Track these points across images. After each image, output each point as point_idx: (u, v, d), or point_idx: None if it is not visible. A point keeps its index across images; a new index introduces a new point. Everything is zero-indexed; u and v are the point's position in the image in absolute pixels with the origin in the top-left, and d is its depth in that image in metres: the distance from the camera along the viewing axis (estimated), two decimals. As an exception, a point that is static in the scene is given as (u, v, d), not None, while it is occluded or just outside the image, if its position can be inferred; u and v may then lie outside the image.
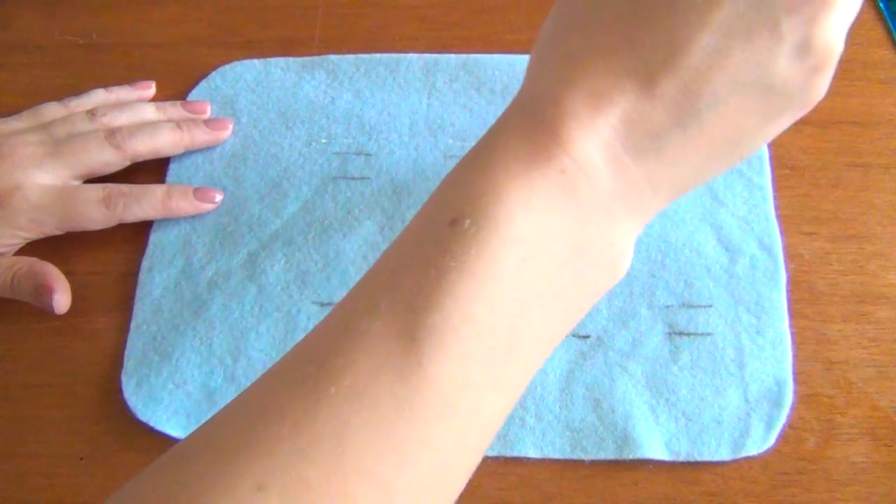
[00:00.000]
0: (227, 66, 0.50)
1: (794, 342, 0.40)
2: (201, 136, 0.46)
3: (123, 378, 0.40)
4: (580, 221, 0.25)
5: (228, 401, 0.39)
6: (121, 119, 0.45)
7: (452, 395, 0.23)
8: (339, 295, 0.41)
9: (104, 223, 0.43)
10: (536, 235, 0.24)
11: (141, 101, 0.48)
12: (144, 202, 0.43)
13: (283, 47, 0.50)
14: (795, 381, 0.39)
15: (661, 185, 0.26)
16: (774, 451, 0.38)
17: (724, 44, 0.23)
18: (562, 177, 0.24)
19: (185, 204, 0.44)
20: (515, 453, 0.38)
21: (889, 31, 0.49)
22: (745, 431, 0.38)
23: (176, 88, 0.50)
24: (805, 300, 0.41)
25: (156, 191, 0.43)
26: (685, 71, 0.24)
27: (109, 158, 0.43)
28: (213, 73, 0.50)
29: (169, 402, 0.40)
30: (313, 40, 0.51)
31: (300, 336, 0.40)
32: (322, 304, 0.41)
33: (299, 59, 0.49)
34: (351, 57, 0.49)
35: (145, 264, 0.43)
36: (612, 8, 0.25)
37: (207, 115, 0.48)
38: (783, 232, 0.43)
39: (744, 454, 0.37)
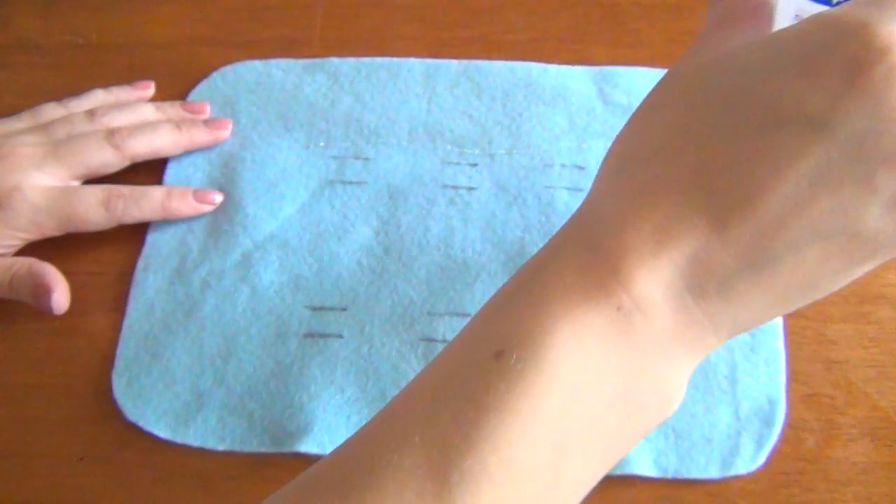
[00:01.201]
0: (227, 67, 0.50)
1: (794, 342, 0.40)
2: (200, 136, 0.46)
3: (114, 377, 0.40)
4: (633, 361, 0.24)
5: (216, 403, 0.39)
6: (120, 119, 0.45)
7: None
8: (332, 299, 0.41)
9: (103, 225, 0.43)
10: (585, 375, 0.23)
11: (140, 101, 0.48)
12: (144, 204, 0.43)
13: (283, 47, 0.50)
14: (796, 380, 0.39)
15: (722, 325, 0.24)
16: (775, 451, 0.38)
17: (809, 192, 0.22)
18: (618, 315, 0.23)
19: (184, 206, 0.44)
20: (503, 466, 0.38)
21: (889, 32, 0.49)
22: (735, 450, 0.37)
23: (176, 88, 0.50)
24: (805, 300, 0.41)
25: (155, 193, 0.43)
26: (762, 217, 0.22)
27: (108, 159, 0.43)
28: (214, 74, 0.50)
29: (158, 402, 0.40)
30: (313, 40, 0.51)
31: (291, 339, 0.40)
32: (314, 309, 0.41)
33: (300, 61, 0.49)
34: (352, 60, 0.49)
35: (140, 263, 0.43)
36: (692, 140, 0.24)
37: (207, 115, 0.48)
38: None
39: (733, 473, 0.37)
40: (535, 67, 0.48)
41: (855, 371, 0.40)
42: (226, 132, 0.47)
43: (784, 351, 0.40)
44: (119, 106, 0.46)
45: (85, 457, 0.39)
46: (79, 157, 0.43)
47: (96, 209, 0.42)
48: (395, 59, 0.49)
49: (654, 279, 0.23)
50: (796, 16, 0.25)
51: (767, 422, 0.38)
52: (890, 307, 0.41)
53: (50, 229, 0.42)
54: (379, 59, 0.49)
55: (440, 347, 0.40)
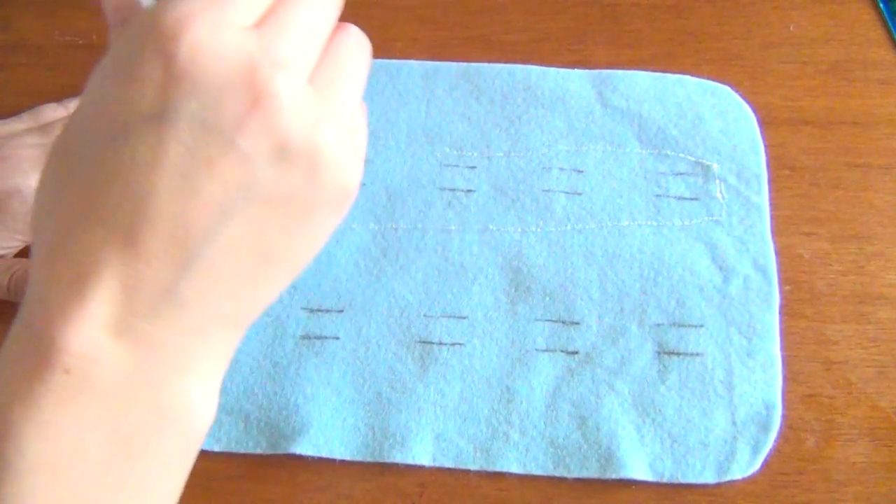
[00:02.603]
0: (226, 67, 0.50)
1: (793, 342, 0.40)
2: None
3: None
4: (113, 410, 0.23)
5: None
6: None
7: None
8: (329, 301, 0.41)
9: None
10: (62, 449, 0.22)
11: None
12: None
13: (283, 48, 0.50)
14: (795, 381, 0.39)
15: (206, 328, 0.24)
16: (774, 451, 0.38)
17: (188, 183, 0.22)
18: (68, 378, 0.22)
19: None
20: (498, 468, 0.38)
21: (889, 31, 0.49)
22: (731, 455, 0.38)
23: (176, 89, 0.50)
24: (805, 300, 0.41)
25: None
26: (160, 220, 0.22)
27: None
28: (213, 74, 0.49)
29: None
30: (313, 41, 0.51)
31: (288, 341, 0.41)
32: (311, 310, 0.41)
33: (299, 62, 0.49)
34: (351, 62, 0.49)
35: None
36: (73, 174, 0.23)
37: None
38: (783, 233, 0.43)
39: (728, 478, 0.37)
40: (533, 70, 0.48)
41: (855, 371, 0.40)
42: None
43: (781, 356, 0.40)
44: None
45: (85, 457, 0.39)
46: None
47: None
48: (394, 61, 0.49)
49: (90, 328, 0.22)
50: None
51: (764, 427, 0.38)
52: (890, 307, 0.41)
53: None
54: (378, 61, 0.49)
55: (436, 349, 0.40)
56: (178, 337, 0.24)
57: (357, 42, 0.26)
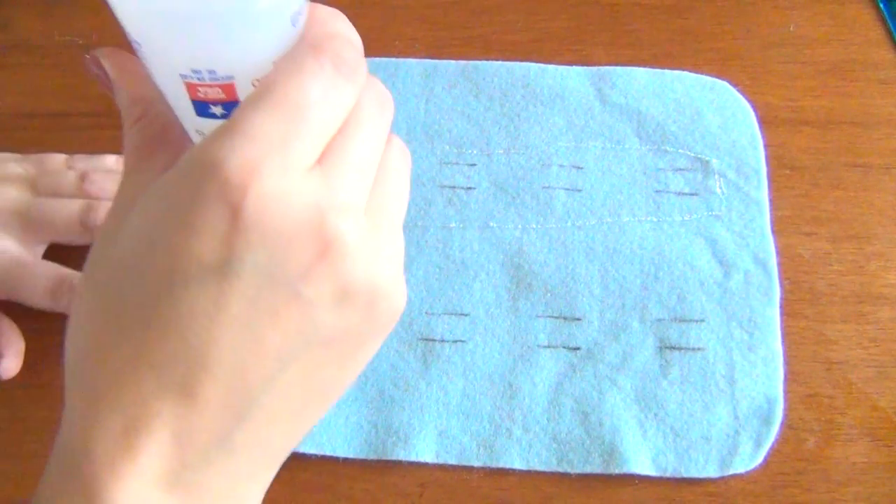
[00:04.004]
0: (226, 68, 0.50)
1: (793, 342, 0.40)
2: None
3: None
4: None
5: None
6: (110, 193, 0.43)
7: None
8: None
9: (49, 309, 0.41)
10: None
11: None
12: None
13: (283, 47, 0.50)
14: (796, 381, 0.39)
15: (252, 470, 0.24)
16: (774, 451, 0.38)
17: (251, 334, 0.21)
18: None
19: None
20: (501, 464, 0.38)
21: (889, 31, 0.49)
22: (734, 449, 0.38)
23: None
24: (805, 300, 0.41)
25: None
26: (219, 371, 0.21)
27: (74, 238, 0.42)
28: (214, 75, 0.49)
29: None
30: (313, 40, 0.51)
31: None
32: None
33: (299, 61, 0.49)
34: (350, 60, 0.49)
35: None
36: (119, 322, 0.22)
37: None
38: (783, 232, 0.43)
39: (731, 472, 0.37)
40: (532, 67, 0.48)
41: (855, 371, 0.40)
42: None
43: (782, 351, 0.40)
44: (116, 177, 0.44)
45: (84, 457, 0.39)
46: (46, 228, 0.41)
47: (41, 297, 0.40)
48: (393, 60, 0.49)
49: (141, 484, 0.21)
50: (197, 131, 0.24)
51: (766, 421, 0.38)
52: (890, 307, 0.41)
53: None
54: (377, 59, 0.49)
55: (439, 347, 0.40)
56: (224, 484, 0.23)
57: (400, 154, 0.25)
